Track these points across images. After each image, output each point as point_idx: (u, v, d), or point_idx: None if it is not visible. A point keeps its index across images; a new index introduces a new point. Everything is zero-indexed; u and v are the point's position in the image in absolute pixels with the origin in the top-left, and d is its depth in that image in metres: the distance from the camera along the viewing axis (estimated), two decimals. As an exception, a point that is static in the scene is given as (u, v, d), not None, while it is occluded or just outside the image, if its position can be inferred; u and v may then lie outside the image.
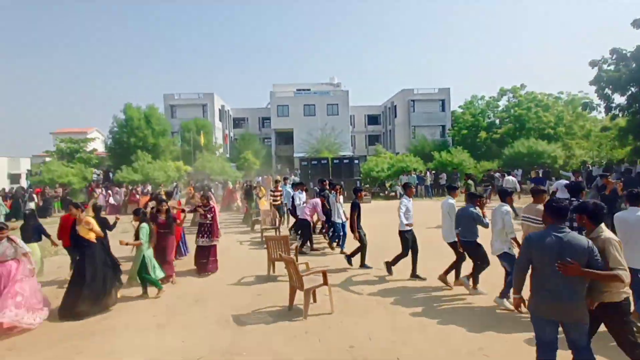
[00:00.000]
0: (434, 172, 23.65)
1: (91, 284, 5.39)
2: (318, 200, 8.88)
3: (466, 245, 5.63)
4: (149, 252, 6.08)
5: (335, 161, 22.14)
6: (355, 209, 7.34)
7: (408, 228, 6.47)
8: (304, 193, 10.26)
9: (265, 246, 7.32)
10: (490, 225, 5.39)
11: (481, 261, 5.55)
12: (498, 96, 34.23)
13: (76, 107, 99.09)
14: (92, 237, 5.67)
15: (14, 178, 29.67)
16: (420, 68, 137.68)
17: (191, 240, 8.31)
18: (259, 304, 5.63)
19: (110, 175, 27.34)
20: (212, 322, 5.02)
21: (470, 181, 13.62)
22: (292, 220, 10.86)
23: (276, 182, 12.67)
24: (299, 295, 5.30)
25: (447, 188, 6.73)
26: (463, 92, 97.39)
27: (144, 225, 6.15)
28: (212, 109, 39.00)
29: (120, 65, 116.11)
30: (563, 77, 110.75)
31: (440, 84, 60.62)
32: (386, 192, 23.09)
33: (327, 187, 9.69)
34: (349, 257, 7.42)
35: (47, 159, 30.18)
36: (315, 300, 5.48)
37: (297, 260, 5.81)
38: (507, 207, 5.31)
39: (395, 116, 42.05)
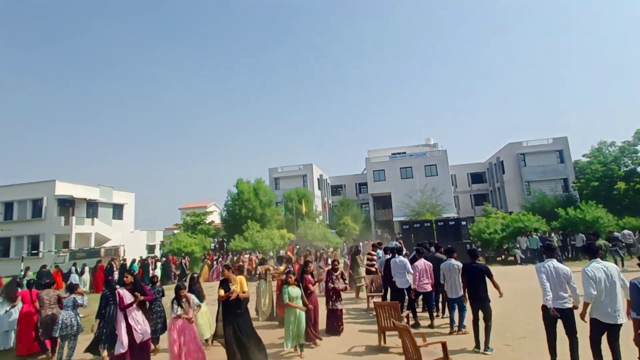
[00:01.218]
0: (561, 232, 20.33)
1: (252, 334, 5.80)
2: (430, 263, 7.84)
3: None
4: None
5: (439, 223, 20.79)
6: (489, 274, 6.03)
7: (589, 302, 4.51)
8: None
9: (373, 313, 6.80)
10: None
11: None
12: (635, 140, 29.13)
13: (199, 184, 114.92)
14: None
15: (150, 249, 34.64)
16: (524, 120, 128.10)
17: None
18: (373, 379, 5.05)
19: (225, 244, 30.01)
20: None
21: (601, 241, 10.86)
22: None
23: (373, 245, 12.20)
24: (417, 370, 4.60)
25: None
26: (577, 139, 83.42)
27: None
28: (312, 179, 41.28)
29: (233, 145, 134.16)
30: None
31: (552, 133, 54.74)
32: (502, 257, 20.46)
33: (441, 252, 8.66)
34: (487, 347, 5.90)
35: (176, 231, 34.83)
36: (436, 378, 4.69)
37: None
38: None
39: (504, 172, 38.77)
